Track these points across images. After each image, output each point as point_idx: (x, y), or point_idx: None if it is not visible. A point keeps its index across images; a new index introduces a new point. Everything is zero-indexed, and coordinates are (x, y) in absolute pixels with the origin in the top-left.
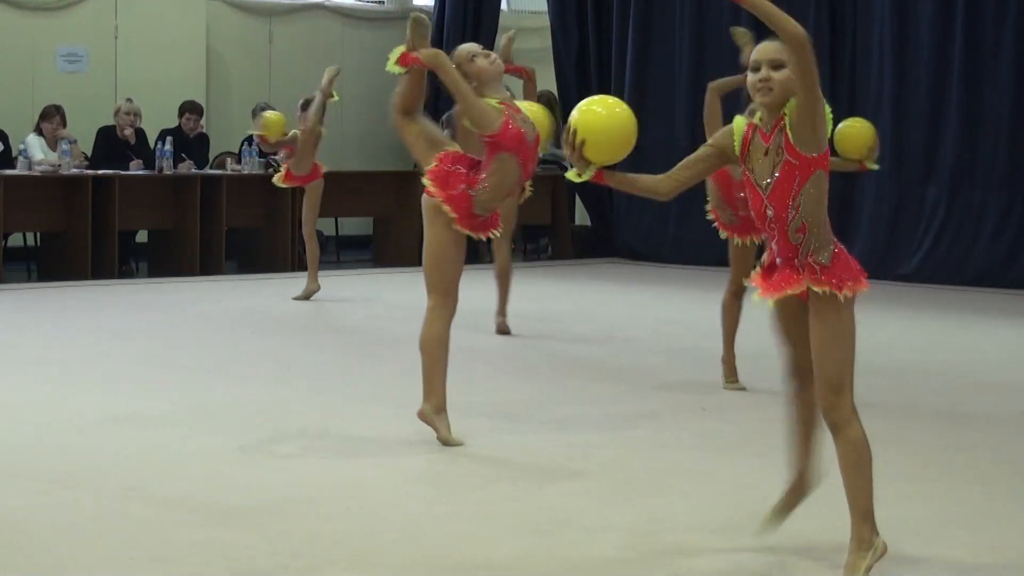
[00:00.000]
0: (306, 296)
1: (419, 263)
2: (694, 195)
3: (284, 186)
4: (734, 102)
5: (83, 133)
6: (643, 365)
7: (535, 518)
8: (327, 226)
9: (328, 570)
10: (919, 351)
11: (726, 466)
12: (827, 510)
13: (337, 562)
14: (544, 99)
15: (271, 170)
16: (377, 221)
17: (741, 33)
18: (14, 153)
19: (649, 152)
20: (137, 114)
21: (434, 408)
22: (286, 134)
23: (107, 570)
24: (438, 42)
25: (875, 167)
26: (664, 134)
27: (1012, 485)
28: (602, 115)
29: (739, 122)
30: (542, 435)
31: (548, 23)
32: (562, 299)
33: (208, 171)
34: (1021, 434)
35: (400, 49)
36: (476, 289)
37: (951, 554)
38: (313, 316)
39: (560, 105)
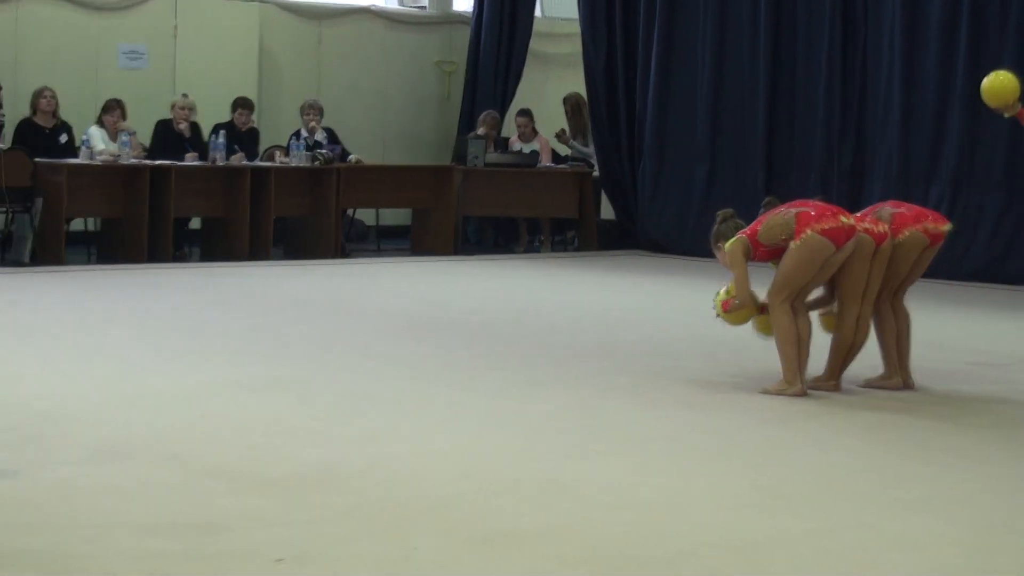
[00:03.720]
0: None
1: (453, 252)
2: (713, 193)
3: None
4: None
5: (142, 126)
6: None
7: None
8: (368, 216)
9: (364, 540)
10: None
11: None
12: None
13: (374, 532)
14: (573, 101)
15: (316, 163)
16: (415, 212)
17: None
18: (77, 143)
19: (671, 151)
20: (192, 108)
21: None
22: None
23: (149, 533)
24: (475, 44)
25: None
26: (685, 135)
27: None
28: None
29: None
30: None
31: (579, 30)
32: (590, 289)
33: (258, 163)
34: None
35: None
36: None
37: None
38: (353, 300)
39: (588, 106)
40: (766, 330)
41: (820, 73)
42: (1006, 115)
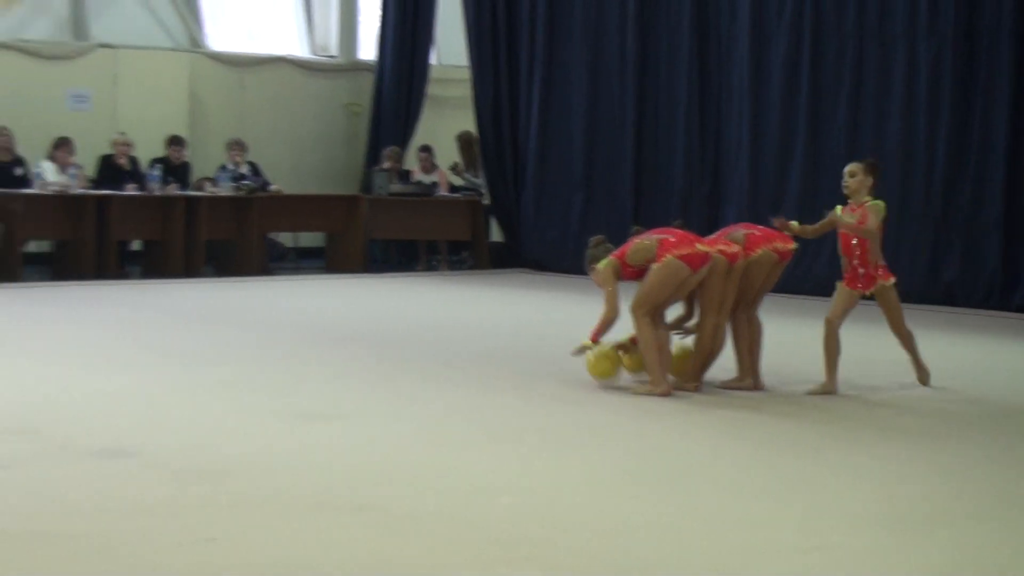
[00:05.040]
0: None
1: (362, 270)
2: (588, 218)
3: None
4: None
5: (88, 160)
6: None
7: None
8: (288, 238)
9: (279, 523)
10: None
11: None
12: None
13: (291, 518)
14: (465, 137)
15: (241, 192)
16: (328, 235)
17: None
18: (30, 176)
19: (551, 181)
20: (129, 144)
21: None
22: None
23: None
24: (379, 88)
25: None
26: (564, 167)
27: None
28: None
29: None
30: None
31: (469, 76)
32: (482, 303)
33: (190, 192)
34: None
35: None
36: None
37: None
38: (275, 312)
39: (478, 142)
40: (635, 366)
41: (680, 112)
42: None
